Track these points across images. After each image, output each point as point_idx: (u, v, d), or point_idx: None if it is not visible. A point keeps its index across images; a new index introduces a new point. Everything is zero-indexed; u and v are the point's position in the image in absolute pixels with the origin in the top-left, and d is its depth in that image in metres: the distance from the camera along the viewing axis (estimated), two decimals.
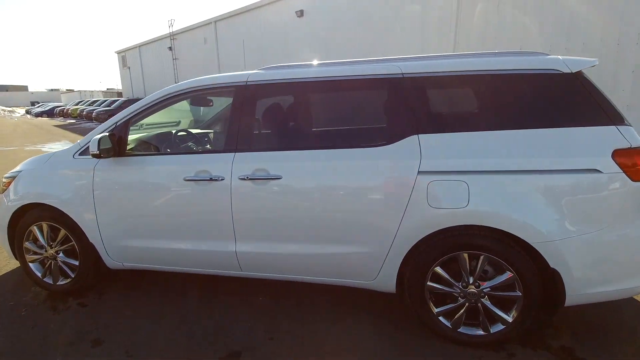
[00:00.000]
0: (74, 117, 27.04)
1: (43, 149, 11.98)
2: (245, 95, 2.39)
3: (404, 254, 2.12)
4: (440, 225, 2.01)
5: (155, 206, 2.46)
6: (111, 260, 2.67)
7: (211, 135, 3.64)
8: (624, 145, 1.86)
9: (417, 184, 2.02)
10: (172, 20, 22.76)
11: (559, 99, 1.97)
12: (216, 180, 2.32)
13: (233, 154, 2.34)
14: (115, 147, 2.47)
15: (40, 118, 31.91)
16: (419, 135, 2.07)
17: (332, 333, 2.30)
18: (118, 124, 2.56)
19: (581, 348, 2.11)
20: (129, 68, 30.66)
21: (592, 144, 1.89)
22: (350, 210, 2.15)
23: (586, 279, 1.93)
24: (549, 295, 2.03)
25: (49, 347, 2.24)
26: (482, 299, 2.08)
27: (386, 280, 2.22)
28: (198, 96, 2.68)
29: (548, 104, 1.99)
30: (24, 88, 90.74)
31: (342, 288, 2.73)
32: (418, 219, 2.04)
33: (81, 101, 31.61)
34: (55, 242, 2.75)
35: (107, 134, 2.43)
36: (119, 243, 2.59)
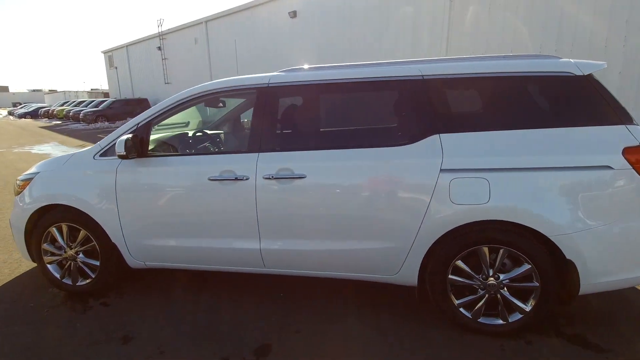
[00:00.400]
0: (60, 118, 26.52)
1: (32, 151, 11.77)
2: (267, 96, 2.46)
3: (427, 249, 2.22)
4: (462, 221, 2.11)
5: (180, 205, 2.50)
6: (133, 259, 2.70)
7: (228, 136, 3.69)
8: (633, 143, 1.99)
9: (439, 182, 2.12)
10: (162, 20, 22.53)
11: (572, 100, 2.10)
12: (241, 179, 2.38)
13: (257, 154, 2.40)
14: (138, 148, 2.51)
15: (24, 119, 31.18)
16: (440, 134, 2.17)
17: (354, 325, 2.38)
18: (140, 125, 2.60)
19: (592, 334, 2.24)
20: (116, 68, 30.20)
21: (603, 142, 2.02)
22: (373, 207, 2.24)
23: (599, 269, 2.05)
24: (563, 285, 2.15)
25: (78, 346, 2.26)
26: (501, 290, 2.19)
27: (408, 274, 2.31)
28: (219, 98, 2.72)
29: (562, 104, 2.11)
30: (5, 89, 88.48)
31: (353, 282, 2.82)
32: (440, 215, 2.13)
33: (67, 102, 31.03)
34: (75, 243, 2.77)
35: (131, 135, 2.46)
36: (142, 242, 2.62)
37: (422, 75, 2.26)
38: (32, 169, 2.97)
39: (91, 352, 2.20)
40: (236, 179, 2.38)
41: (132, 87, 28.50)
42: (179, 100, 2.58)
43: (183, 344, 2.25)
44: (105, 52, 31.16)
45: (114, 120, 21.96)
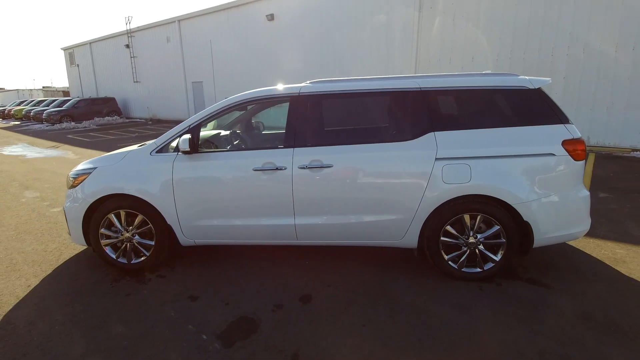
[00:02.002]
0: (19, 119, 25.28)
1: (4, 153, 11.60)
2: (299, 103, 3.10)
3: (425, 218, 2.95)
4: (451, 195, 2.86)
5: (228, 192, 3.09)
6: (185, 238, 3.25)
7: (253, 135, 4.28)
8: (569, 137, 2.82)
9: (434, 167, 2.86)
10: (130, 17, 22.16)
11: (527, 106, 2.90)
12: (280, 169, 3.00)
13: (292, 148, 3.03)
14: (191, 145, 3.06)
15: None
16: (435, 132, 2.91)
17: (374, 281, 3.08)
18: (191, 126, 3.15)
19: (544, 277, 3.07)
20: (78, 66, 29.16)
21: (548, 136, 2.84)
22: (385, 188, 2.95)
23: (547, 228, 2.88)
24: (522, 240, 2.96)
25: (153, 306, 2.80)
26: (478, 246, 2.97)
27: (410, 238, 3.04)
28: (258, 104, 3.33)
29: (520, 110, 2.91)
30: None
31: (356, 252, 3.52)
32: (435, 192, 2.87)
33: (24, 101, 29.52)
34: (132, 227, 3.27)
35: (190, 135, 3.01)
36: (194, 223, 3.18)
37: (420, 88, 2.99)
38: (84, 166, 3.42)
39: (169, 308, 2.76)
40: (276, 168, 3.00)
41: (97, 85, 27.69)
42: (226, 106, 3.17)
43: (241, 297, 2.86)
44: (65, 49, 29.96)
45: (80, 120, 21.26)
